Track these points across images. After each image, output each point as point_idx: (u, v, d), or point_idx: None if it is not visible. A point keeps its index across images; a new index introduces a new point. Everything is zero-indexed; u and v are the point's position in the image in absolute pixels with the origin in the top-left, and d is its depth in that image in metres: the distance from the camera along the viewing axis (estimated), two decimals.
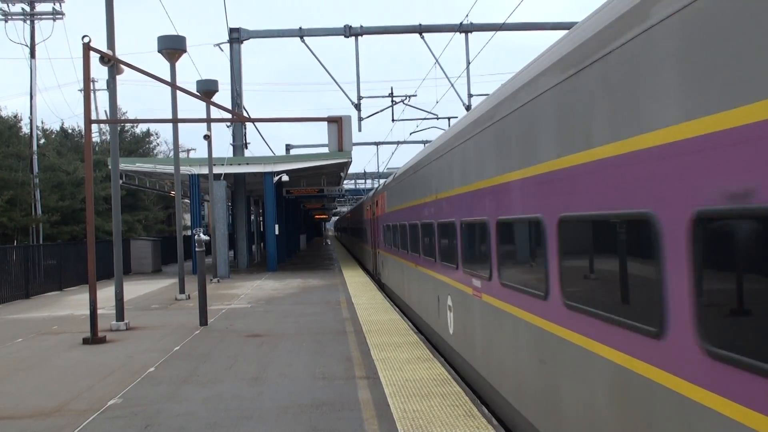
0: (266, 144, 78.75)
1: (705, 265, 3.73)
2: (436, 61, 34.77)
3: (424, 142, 58.34)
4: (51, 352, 13.97)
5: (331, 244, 79.19)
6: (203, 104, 35.90)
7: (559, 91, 5.81)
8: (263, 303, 21.15)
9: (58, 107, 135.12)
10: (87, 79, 16.19)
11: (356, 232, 45.21)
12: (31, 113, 38.31)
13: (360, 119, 36.13)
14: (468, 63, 35.39)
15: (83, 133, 28.59)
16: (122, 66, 16.80)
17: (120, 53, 17.05)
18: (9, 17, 38.44)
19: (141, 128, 60.48)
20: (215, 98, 28.97)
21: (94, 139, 45.09)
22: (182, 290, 23.40)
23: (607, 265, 5.10)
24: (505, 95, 7.61)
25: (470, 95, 35.96)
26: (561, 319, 5.91)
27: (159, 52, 24.96)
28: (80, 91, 51.69)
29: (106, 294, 21.39)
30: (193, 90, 27.09)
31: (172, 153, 33.15)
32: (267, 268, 35.55)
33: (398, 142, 64.40)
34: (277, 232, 35.37)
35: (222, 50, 36.75)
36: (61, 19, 38.70)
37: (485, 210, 8.59)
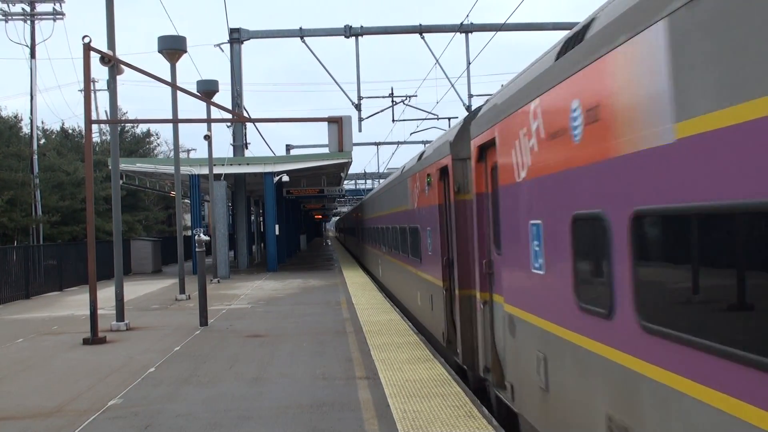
0: (266, 144, 78.97)
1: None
2: (437, 61, 34.78)
3: (425, 143, 58.31)
4: (51, 352, 13.97)
5: (332, 245, 79.24)
6: (203, 104, 35.97)
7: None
8: (263, 303, 21.16)
9: (59, 107, 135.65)
10: (87, 79, 16.20)
11: (380, 238, 24.97)
12: (31, 113, 38.29)
13: (360, 119, 36.14)
14: (468, 63, 35.41)
15: (83, 133, 28.61)
16: (122, 66, 16.81)
17: (120, 53, 17.05)
18: (9, 17, 38.39)
19: (141, 128, 60.59)
20: (215, 98, 28.95)
21: (94, 140, 45.07)
22: (182, 290, 23.40)
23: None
24: None
25: (470, 95, 35.98)
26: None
27: (159, 52, 24.94)
28: (80, 91, 51.63)
29: (106, 294, 21.37)
30: (194, 90, 27.09)
31: (172, 153, 33.19)
32: (267, 268, 35.55)
33: (398, 143, 64.40)
34: (277, 233, 35.38)
35: (222, 50, 36.71)
36: (62, 19, 38.62)
37: None
